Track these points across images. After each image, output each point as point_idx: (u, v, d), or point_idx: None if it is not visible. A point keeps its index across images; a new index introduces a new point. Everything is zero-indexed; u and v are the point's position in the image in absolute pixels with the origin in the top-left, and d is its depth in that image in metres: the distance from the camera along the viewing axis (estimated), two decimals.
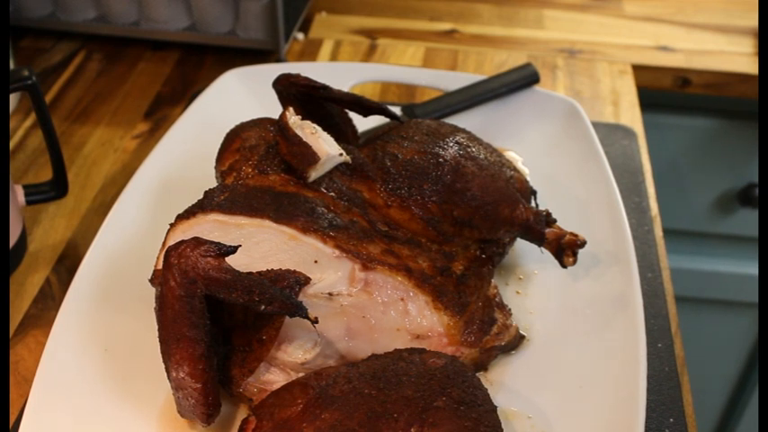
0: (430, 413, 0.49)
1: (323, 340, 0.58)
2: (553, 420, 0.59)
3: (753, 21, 1.18)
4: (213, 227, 0.59)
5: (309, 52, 1.10)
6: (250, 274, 0.54)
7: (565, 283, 0.69)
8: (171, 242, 0.58)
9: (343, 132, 0.73)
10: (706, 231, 1.29)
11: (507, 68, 0.94)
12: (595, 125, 0.86)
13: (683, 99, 1.14)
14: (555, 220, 0.68)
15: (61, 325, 0.62)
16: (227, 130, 0.70)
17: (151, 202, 0.75)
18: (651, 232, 0.80)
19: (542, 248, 0.68)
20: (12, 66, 0.94)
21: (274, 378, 0.57)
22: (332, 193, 0.64)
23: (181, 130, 0.82)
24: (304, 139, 0.64)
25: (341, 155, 0.65)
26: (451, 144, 0.68)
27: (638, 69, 1.08)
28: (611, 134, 0.92)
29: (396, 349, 0.58)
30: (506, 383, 0.62)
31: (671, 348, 0.68)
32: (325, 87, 0.70)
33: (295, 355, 0.57)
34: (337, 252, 0.59)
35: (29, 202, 0.77)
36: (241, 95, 0.88)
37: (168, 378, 0.54)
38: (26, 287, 0.74)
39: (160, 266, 0.58)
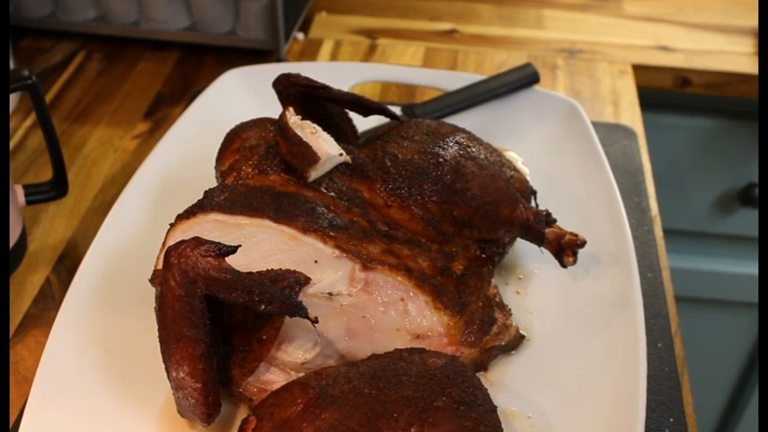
0: (430, 413, 0.49)
1: (323, 340, 0.58)
2: (553, 420, 0.59)
3: (753, 21, 1.18)
4: (213, 227, 0.59)
5: (309, 52, 1.10)
6: (250, 274, 0.54)
7: (565, 283, 0.69)
8: (171, 242, 0.58)
9: (343, 132, 0.73)
10: (706, 231, 1.29)
11: (507, 68, 0.94)
12: (595, 125, 0.86)
13: (683, 99, 1.14)
14: (555, 220, 0.68)
15: (61, 325, 0.62)
16: (227, 130, 0.70)
17: (151, 202, 0.75)
18: (651, 232, 0.80)
19: (542, 248, 0.68)
20: (12, 66, 0.94)
21: (274, 378, 0.57)
22: (332, 193, 0.64)
23: (181, 130, 0.82)
24: (304, 139, 0.64)
25: (341, 155, 0.65)
26: (451, 144, 0.68)
27: (638, 69, 1.08)
28: (611, 134, 0.92)
29: (396, 349, 0.58)
30: (506, 383, 0.62)
31: (671, 348, 0.68)
32: (325, 87, 0.70)
33: (295, 355, 0.57)
34: (337, 252, 0.59)
35: (29, 202, 0.77)
36: (241, 95, 0.88)
37: (168, 378, 0.54)
38: (26, 287, 0.74)
39: (160, 266, 0.58)
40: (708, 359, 1.34)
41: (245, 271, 0.54)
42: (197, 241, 0.53)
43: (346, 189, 0.65)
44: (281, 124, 0.65)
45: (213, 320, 0.53)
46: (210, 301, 0.53)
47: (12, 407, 0.64)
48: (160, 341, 0.53)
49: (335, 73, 0.89)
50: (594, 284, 0.68)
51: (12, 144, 0.92)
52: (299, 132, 0.64)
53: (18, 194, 0.76)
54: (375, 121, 0.79)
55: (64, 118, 0.97)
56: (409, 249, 0.63)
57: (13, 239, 0.74)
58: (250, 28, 1.03)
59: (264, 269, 0.57)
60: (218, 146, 0.70)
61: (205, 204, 0.60)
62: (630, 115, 0.98)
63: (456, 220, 0.65)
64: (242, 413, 0.59)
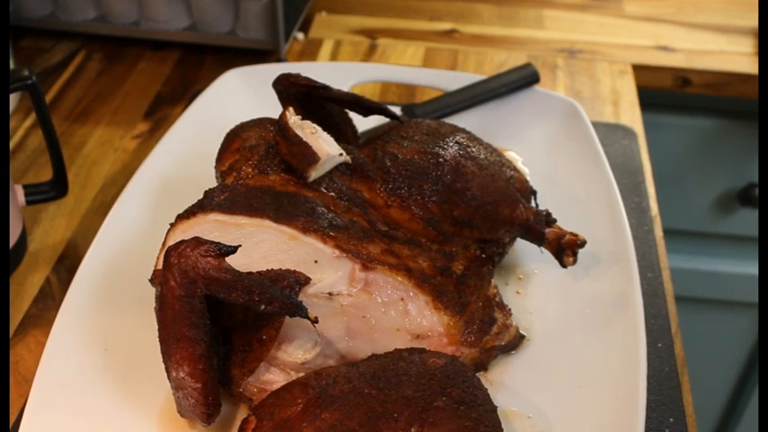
0: (430, 413, 0.49)
1: (323, 340, 0.58)
2: (553, 420, 0.59)
3: (753, 21, 1.18)
4: (213, 227, 0.59)
5: (309, 52, 1.10)
6: (250, 274, 0.54)
7: (565, 283, 0.69)
8: (171, 242, 0.58)
9: (343, 132, 0.73)
10: (706, 231, 1.29)
11: (507, 68, 0.94)
12: (595, 125, 0.86)
13: (683, 99, 1.14)
14: (555, 220, 0.68)
15: (61, 325, 0.62)
16: (227, 130, 0.70)
17: (151, 202, 0.75)
18: (651, 232, 0.80)
19: (542, 248, 0.68)
20: (12, 66, 0.94)
21: (274, 378, 0.57)
22: (332, 193, 0.64)
23: (181, 130, 0.82)
24: (304, 139, 0.64)
25: (341, 155, 0.65)
26: (451, 144, 0.68)
27: (638, 69, 1.08)
28: (611, 134, 0.92)
29: (396, 349, 0.58)
30: (506, 383, 0.62)
31: (671, 348, 0.68)
32: (325, 87, 0.70)
33: (295, 355, 0.57)
34: (337, 252, 0.59)
35: (29, 202, 0.77)
36: (241, 95, 0.88)
37: (168, 378, 0.54)
38: (26, 287, 0.74)
39: (160, 266, 0.58)
40: (708, 359, 1.34)
41: (245, 271, 0.54)
42: (197, 241, 0.53)
43: (346, 189, 0.65)
44: (281, 124, 0.65)
45: (213, 320, 0.53)
46: (210, 301, 0.53)
47: (12, 407, 0.64)
48: (160, 341, 0.53)
49: (335, 73, 0.89)
50: (594, 284, 0.68)
51: (12, 144, 0.92)
52: (299, 132, 0.64)
53: (18, 194, 0.76)
54: (375, 121, 0.79)
55: (64, 118, 0.97)
56: (409, 249, 0.63)
57: (13, 239, 0.74)
58: (250, 28, 1.03)
59: (264, 269, 0.57)
60: (218, 146, 0.70)
61: (205, 204, 0.60)
62: (630, 115, 0.98)
63: (456, 220, 0.65)
64: (242, 413, 0.59)
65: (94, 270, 0.67)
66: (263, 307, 0.52)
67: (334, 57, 1.09)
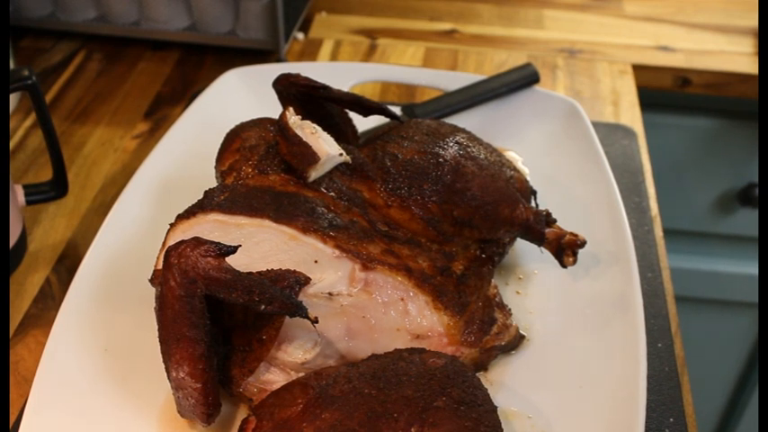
0: (430, 413, 0.49)
1: (323, 340, 0.58)
2: (553, 420, 0.59)
3: (753, 21, 1.18)
4: (213, 227, 0.59)
5: (309, 52, 1.10)
6: (250, 274, 0.54)
7: (565, 283, 0.69)
8: (171, 242, 0.58)
9: (343, 132, 0.73)
10: (706, 231, 1.29)
11: (507, 68, 0.94)
12: (595, 125, 0.86)
13: (683, 99, 1.14)
14: (555, 220, 0.68)
15: (61, 325, 0.62)
16: (227, 130, 0.70)
17: (151, 202, 0.75)
18: (651, 232, 0.80)
19: (542, 248, 0.68)
20: (12, 66, 0.94)
21: (274, 378, 0.57)
22: (332, 193, 0.64)
23: (181, 130, 0.82)
24: (304, 139, 0.64)
25: (341, 155, 0.65)
26: (451, 144, 0.68)
27: (638, 69, 1.08)
28: (611, 134, 0.92)
29: (396, 349, 0.58)
30: (506, 383, 0.62)
31: (671, 348, 0.68)
32: (325, 87, 0.70)
33: (295, 355, 0.57)
34: (337, 252, 0.59)
35: (29, 202, 0.77)
36: (241, 95, 0.88)
37: (168, 378, 0.54)
38: (26, 287, 0.74)
39: (160, 266, 0.58)
40: (708, 359, 1.34)
41: (245, 271, 0.54)
42: (197, 241, 0.53)
43: (346, 189, 0.65)
44: (281, 124, 0.65)
45: (213, 320, 0.53)
46: (210, 301, 0.53)
47: (12, 407, 0.64)
48: (160, 341, 0.53)
49: (335, 73, 0.89)
50: (594, 284, 0.68)
51: (12, 144, 0.92)
52: (299, 132, 0.64)
53: (18, 194, 0.76)
54: (375, 121, 0.79)
55: (64, 118, 0.97)
56: (409, 249, 0.63)
57: (13, 239, 0.74)
58: (250, 28, 1.03)
59: (264, 269, 0.57)
60: (218, 146, 0.70)
61: (205, 204, 0.60)
62: (630, 115, 0.98)
63: (456, 220, 0.65)
64: (242, 413, 0.59)
65: (94, 270, 0.67)
66: (263, 307, 0.52)
67: (334, 57, 1.09)
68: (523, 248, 0.73)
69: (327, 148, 0.64)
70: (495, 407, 0.53)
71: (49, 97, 1.00)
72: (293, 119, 0.65)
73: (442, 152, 0.67)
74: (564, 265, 0.67)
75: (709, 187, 1.25)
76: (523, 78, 0.88)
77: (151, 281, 0.59)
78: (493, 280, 0.67)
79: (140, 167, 0.77)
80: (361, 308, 0.59)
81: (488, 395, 0.54)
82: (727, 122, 1.17)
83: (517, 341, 0.64)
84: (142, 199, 0.75)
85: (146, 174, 0.77)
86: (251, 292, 0.52)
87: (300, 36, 1.13)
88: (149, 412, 0.59)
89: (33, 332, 0.70)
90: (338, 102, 0.71)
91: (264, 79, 0.76)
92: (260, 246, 0.58)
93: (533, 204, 0.72)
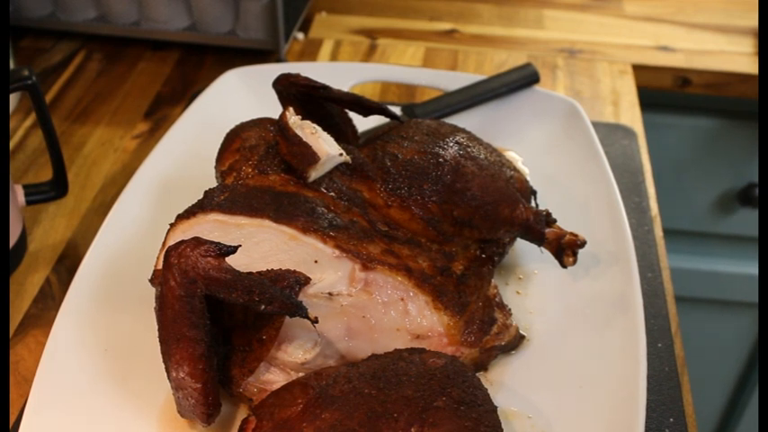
0: (430, 413, 0.49)
1: (323, 340, 0.58)
2: (553, 420, 0.59)
3: (753, 21, 1.18)
4: (213, 227, 0.59)
5: (309, 52, 1.10)
6: (250, 274, 0.54)
7: (565, 283, 0.69)
8: (171, 242, 0.58)
9: (343, 132, 0.73)
10: (706, 231, 1.29)
11: (507, 68, 0.94)
12: (595, 125, 0.86)
13: (683, 99, 1.14)
14: (555, 220, 0.68)
15: (61, 325, 0.62)
16: (227, 130, 0.70)
17: (151, 202, 0.75)
18: (651, 232, 0.80)
19: (542, 248, 0.68)
20: (12, 66, 0.94)
21: (274, 378, 0.57)
22: (332, 193, 0.64)
23: (181, 130, 0.82)
24: (304, 139, 0.64)
25: (341, 155, 0.65)
26: (451, 144, 0.68)
27: (638, 69, 1.08)
28: (611, 134, 0.92)
29: (396, 349, 0.58)
30: (506, 383, 0.62)
31: (671, 348, 0.68)
32: (325, 87, 0.70)
33: (295, 355, 0.57)
34: (337, 252, 0.59)
35: (29, 202, 0.77)
36: (241, 95, 0.88)
37: (168, 378, 0.54)
38: (26, 287, 0.74)
39: (160, 266, 0.58)
40: (708, 359, 1.34)
41: (245, 271, 0.54)
42: (197, 241, 0.53)
43: (346, 189, 0.65)
44: (281, 124, 0.65)
45: (213, 320, 0.53)
46: (210, 301, 0.53)
47: (12, 407, 0.64)
48: (160, 341, 0.53)
49: (335, 73, 0.89)
50: (594, 284, 0.68)
51: (12, 144, 0.92)
52: (299, 132, 0.64)
53: (18, 194, 0.76)
54: (375, 121, 0.79)
55: (64, 118, 0.97)
56: (409, 249, 0.63)
57: (13, 239, 0.74)
58: (250, 28, 1.03)
59: (264, 269, 0.57)
60: (218, 146, 0.70)
61: (205, 204, 0.60)
62: (630, 115, 0.98)
63: (456, 220, 0.65)
64: (242, 413, 0.59)
65: (94, 270, 0.67)
66: (263, 307, 0.52)
67: (334, 57, 1.09)
68: (523, 248, 0.73)
69: (327, 148, 0.64)
70: (495, 407, 0.53)
71: (49, 97, 1.00)
72: (293, 119, 0.65)
73: (442, 152, 0.67)
74: (564, 265, 0.67)
75: (709, 187, 1.25)
76: (523, 78, 0.89)
77: (151, 281, 0.59)
78: (493, 280, 0.67)
79: (140, 167, 0.77)
80: (361, 308, 0.59)
81: (488, 395, 0.54)
82: (727, 122, 1.17)
83: (517, 341, 0.64)
84: (142, 199, 0.75)
85: (146, 174, 0.77)
86: (251, 292, 0.52)
87: (300, 36, 1.13)
88: (149, 412, 0.59)
89: (33, 332, 0.70)
90: (338, 102, 0.71)
91: (264, 79, 0.76)
92: (260, 246, 0.58)
93: (533, 204, 0.72)
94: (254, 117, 0.71)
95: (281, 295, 0.53)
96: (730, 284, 1.32)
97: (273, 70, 0.75)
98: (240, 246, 0.54)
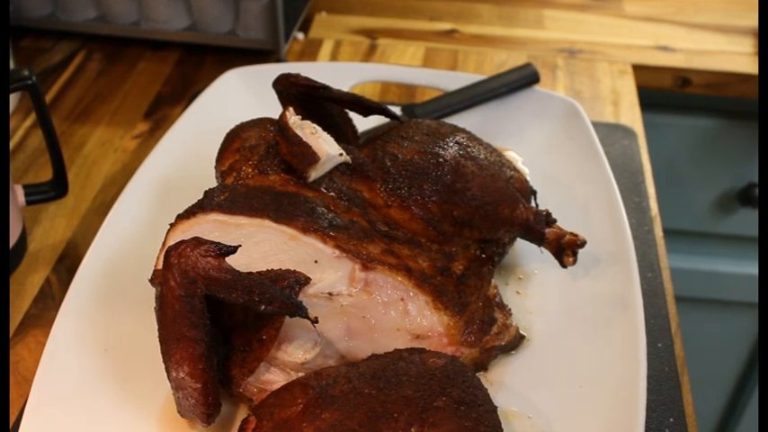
0: (430, 413, 0.49)
1: (323, 340, 0.58)
2: (553, 420, 0.59)
3: (753, 21, 1.18)
4: (213, 227, 0.59)
5: (309, 52, 1.10)
6: (250, 274, 0.54)
7: (565, 283, 0.69)
8: (171, 242, 0.58)
9: (343, 132, 0.73)
10: (706, 231, 1.29)
11: (507, 68, 0.94)
12: (595, 125, 0.86)
13: (683, 99, 1.14)
14: (555, 220, 0.68)
15: (61, 325, 0.62)
16: (227, 130, 0.70)
17: (151, 202, 0.75)
18: (651, 232, 0.80)
19: (542, 248, 0.68)
20: (12, 66, 0.94)
21: (274, 378, 0.57)
22: (332, 193, 0.64)
23: (181, 130, 0.82)
24: (304, 139, 0.64)
25: (341, 155, 0.65)
26: (451, 144, 0.68)
27: (638, 69, 1.08)
28: (611, 134, 0.92)
29: (396, 349, 0.58)
30: (506, 383, 0.62)
31: (671, 348, 0.68)
32: (325, 87, 0.70)
33: (295, 355, 0.57)
34: (337, 252, 0.59)
35: (29, 202, 0.77)
36: (241, 95, 0.88)
37: (168, 378, 0.54)
38: (26, 287, 0.74)
39: (160, 266, 0.58)
40: (708, 359, 1.34)
41: (245, 271, 0.54)
42: (197, 241, 0.53)
43: (346, 189, 0.65)
44: (281, 124, 0.65)
45: (213, 320, 0.53)
46: (210, 301, 0.53)
47: (12, 407, 0.64)
48: (160, 341, 0.53)
49: (335, 73, 0.89)
50: (594, 284, 0.68)
51: (12, 144, 0.92)
52: (299, 132, 0.64)
53: (18, 194, 0.76)
54: (375, 121, 0.79)
55: (64, 118, 0.97)
56: (409, 249, 0.63)
57: (13, 239, 0.74)
58: (250, 28, 1.03)
59: (264, 269, 0.57)
60: (218, 146, 0.70)
61: (205, 204, 0.60)
62: (630, 115, 0.98)
63: (456, 220, 0.65)
64: (242, 413, 0.59)
65: (94, 270, 0.67)
66: (263, 307, 0.52)
67: (334, 57, 1.09)
68: (523, 248, 0.73)
69: (327, 148, 0.64)
70: (495, 407, 0.53)
71: (49, 97, 1.00)
72: (293, 119, 0.65)
73: (442, 152, 0.67)
74: (564, 265, 0.67)
75: (709, 187, 1.25)
76: (523, 78, 0.88)
77: (151, 281, 0.59)
78: (493, 280, 0.67)
79: (140, 167, 0.77)
80: (361, 308, 0.59)
81: (488, 395, 0.54)
82: (727, 122, 1.17)
83: (517, 341, 0.64)
84: (142, 199, 0.75)
85: (146, 174, 0.77)
86: (251, 292, 0.52)
87: (300, 36, 1.13)
88: (149, 412, 0.59)
89: (33, 332, 0.70)
90: (338, 102, 0.71)
91: (264, 79, 0.76)
92: (260, 246, 0.58)
93: (533, 204, 0.72)
94: (254, 117, 0.71)
95: (281, 295, 0.53)
96: (730, 284, 1.32)
97: (273, 70, 0.75)
98: (240, 246, 0.54)
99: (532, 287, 0.70)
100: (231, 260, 0.53)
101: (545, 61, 1.08)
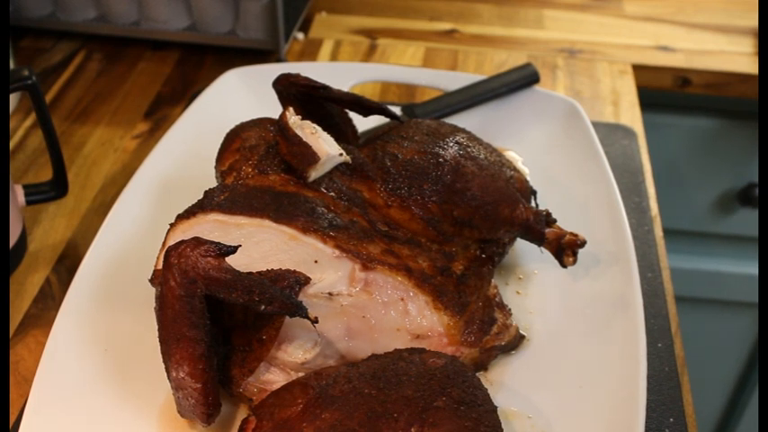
0: (430, 413, 0.49)
1: (323, 340, 0.58)
2: (553, 420, 0.59)
3: (753, 21, 1.18)
4: (213, 227, 0.59)
5: (309, 52, 1.10)
6: (250, 274, 0.54)
7: (565, 283, 0.69)
8: (171, 242, 0.58)
9: (343, 132, 0.73)
10: (706, 231, 1.29)
11: (507, 68, 0.94)
12: (595, 125, 0.86)
13: (683, 99, 1.14)
14: (555, 220, 0.68)
15: (61, 325, 0.62)
16: (227, 130, 0.70)
17: (151, 202, 0.75)
18: (651, 232, 0.80)
19: (542, 248, 0.68)
20: (12, 66, 0.94)
21: (274, 378, 0.57)
22: (332, 193, 0.64)
23: (181, 130, 0.82)
24: (304, 139, 0.64)
25: (341, 155, 0.65)
26: (451, 144, 0.68)
27: (638, 69, 1.08)
28: (611, 134, 0.92)
29: (396, 349, 0.58)
30: (506, 383, 0.62)
31: (671, 348, 0.68)
32: (325, 87, 0.70)
33: (295, 355, 0.57)
34: (337, 252, 0.59)
35: (29, 202, 0.77)
36: (241, 95, 0.88)
37: (168, 378, 0.54)
38: (26, 287, 0.74)
39: (160, 266, 0.58)
40: (708, 359, 1.34)
41: (245, 271, 0.54)
42: (197, 241, 0.53)
43: (346, 189, 0.65)
44: (281, 124, 0.65)
45: (213, 320, 0.53)
46: (210, 301, 0.53)
47: (12, 407, 0.64)
48: (160, 341, 0.53)
49: (335, 73, 0.89)
50: (594, 284, 0.68)
51: (12, 144, 0.92)
52: (299, 132, 0.64)
53: (18, 194, 0.76)
54: (375, 121, 0.79)
55: (64, 118, 0.97)
56: (409, 249, 0.63)
57: (13, 239, 0.74)
58: (250, 28, 1.03)
59: (264, 269, 0.57)
60: (218, 146, 0.70)
61: (205, 204, 0.60)
62: (630, 115, 0.98)
63: (456, 220, 0.65)
64: (242, 413, 0.59)
65: (94, 270, 0.67)
66: (263, 307, 0.52)
67: (334, 57, 1.09)
68: (523, 248, 0.73)
69: (327, 148, 0.64)
70: (495, 407, 0.53)
71: (49, 97, 1.00)
72: (293, 119, 0.65)
73: (442, 152, 0.67)
74: (564, 265, 0.67)
75: (709, 187, 1.25)
76: (523, 78, 0.89)
77: (151, 281, 0.59)
78: (493, 280, 0.67)
79: (140, 167, 0.77)
80: (361, 308, 0.59)
81: (488, 395, 0.54)
82: (727, 122, 1.17)
83: (517, 341, 0.64)
84: (142, 199, 0.75)
85: (146, 174, 0.77)
86: (251, 292, 0.52)
87: (300, 36, 1.13)
88: (149, 412, 0.59)
89: (33, 332, 0.70)
90: (338, 102, 0.71)
91: (264, 79, 0.76)
92: (260, 246, 0.58)
93: (533, 204, 0.72)
94: (254, 117, 0.71)
95: (281, 295, 0.53)
96: (730, 284, 1.32)
97: (273, 70, 0.75)
98: (240, 246, 0.54)
99: (532, 287, 0.70)
100: (231, 260, 0.53)
101: (545, 61, 1.08)
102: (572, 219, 0.72)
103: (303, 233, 0.59)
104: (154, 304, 0.57)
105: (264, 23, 1.02)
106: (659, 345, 0.68)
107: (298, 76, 0.70)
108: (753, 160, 1.21)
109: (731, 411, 1.46)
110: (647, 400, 0.58)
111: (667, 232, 0.83)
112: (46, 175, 0.83)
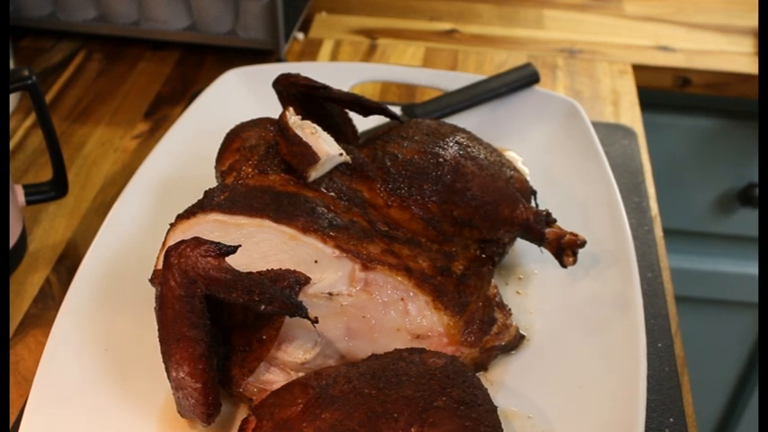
0: (430, 413, 0.49)
1: (323, 340, 0.58)
2: (553, 420, 0.59)
3: (753, 21, 1.18)
4: (213, 227, 0.59)
5: (309, 52, 1.10)
6: (250, 274, 0.54)
7: (565, 283, 0.69)
8: (171, 242, 0.58)
9: (343, 132, 0.73)
10: (706, 231, 1.29)
11: (507, 68, 0.94)
12: (595, 125, 0.86)
13: (683, 99, 1.14)
14: (555, 220, 0.68)
15: (61, 325, 0.62)
16: (227, 130, 0.70)
17: (151, 202, 0.75)
18: (651, 232, 0.80)
19: (542, 248, 0.68)
20: (12, 66, 0.94)
21: (274, 378, 0.58)
22: (332, 193, 0.64)
23: (181, 130, 0.82)
24: (304, 139, 0.64)
25: (341, 155, 0.65)
26: (451, 144, 0.68)
27: (638, 69, 1.08)
28: (611, 134, 0.92)
29: (396, 349, 0.58)
30: (506, 383, 0.62)
31: (671, 348, 0.68)
32: (325, 87, 0.70)
33: (295, 355, 0.57)
34: (337, 252, 0.59)
35: (29, 202, 0.77)
36: (241, 95, 0.88)
37: (168, 378, 0.54)
38: (26, 287, 0.74)
39: (160, 266, 0.58)
40: (708, 359, 1.34)
41: (245, 271, 0.54)
42: (197, 241, 0.53)
43: (346, 189, 0.65)
44: (281, 124, 0.65)
45: (213, 320, 0.53)
46: (210, 301, 0.53)
47: (12, 407, 0.64)
48: (160, 341, 0.53)
49: (335, 73, 0.89)
50: (594, 284, 0.68)
51: (12, 144, 0.92)
52: (299, 132, 0.64)
53: (18, 194, 0.76)
54: (375, 121, 0.79)
55: (64, 118, 0.97)
56: (409, 249, 0.63)
57: (13, 239, 0.74)
58: (250, 28, 1.03)
59: (264, 269, 0.57)
60: (219, 146, 0.70)
61: (205, 204, 0.60)
62: (630, 115, 0.98)
63: (456, 220, 0.65)
64: (242, 413, 0.59)
65: (94, 270, 0.67)
66: (263, 307, 0.52)
67: (334, 57, 1.09)
68: (523, 248, 0.73)
69: (327, 148, 0.64)
70: (495, 407, 0.53)
71: (49, 97, 1.00)
72: (293, 119, 0.65)
73: (442, 152, 0.67)
74: (564, 265, 0.67)
75: (709, 187, 1.25)
76: (523, 78, 0.89)
77: (151, 281, 0.59)
78: (493, 280, 0.67)
79: (140, 167, 0.77)
80: (361, 308, 0.59)
81: (488, 395, 0.54)
82: (727, 122, 1.17)
83: (517, 341, 0.64)
84: (142, 199, 0.75)
85: (146, 174, 0.77)
86: (251, 292, 0.52)
87: (300, 36, 1.13)
88: (149, 412, 0.59)
89: (33, 332, 0.70)
90: (338, 102, 0.71)
91: (264, 79, 0.76)
92: (260, 246, 0.58)
93: (533, 204, 0.72)
94: (254, 117, 0.71)
95: (281, 295, 0.53)
96: (730, 284, 1.32)
97: (273, 70, 0.75)
98: (240, 246, 0.54)
99: (532, 287, 0.70)
100: (231, 260, 0.53)
101: (545, 61, 1.08)
102: (572, 219, 0.72)
103: (303, 233, 0.59)
104: (154, 304, 0.57)
105: (264, 23, 1.02)
106: (659, 345, 0.68)
107: (298, 76, 0.70)
108: (753, 160, 1.21)
109: (731, 411, 1.46)
110: (647, 400, 0.58)
111: (667, 232, 0.83)
112: (46, 175, 0.83)
